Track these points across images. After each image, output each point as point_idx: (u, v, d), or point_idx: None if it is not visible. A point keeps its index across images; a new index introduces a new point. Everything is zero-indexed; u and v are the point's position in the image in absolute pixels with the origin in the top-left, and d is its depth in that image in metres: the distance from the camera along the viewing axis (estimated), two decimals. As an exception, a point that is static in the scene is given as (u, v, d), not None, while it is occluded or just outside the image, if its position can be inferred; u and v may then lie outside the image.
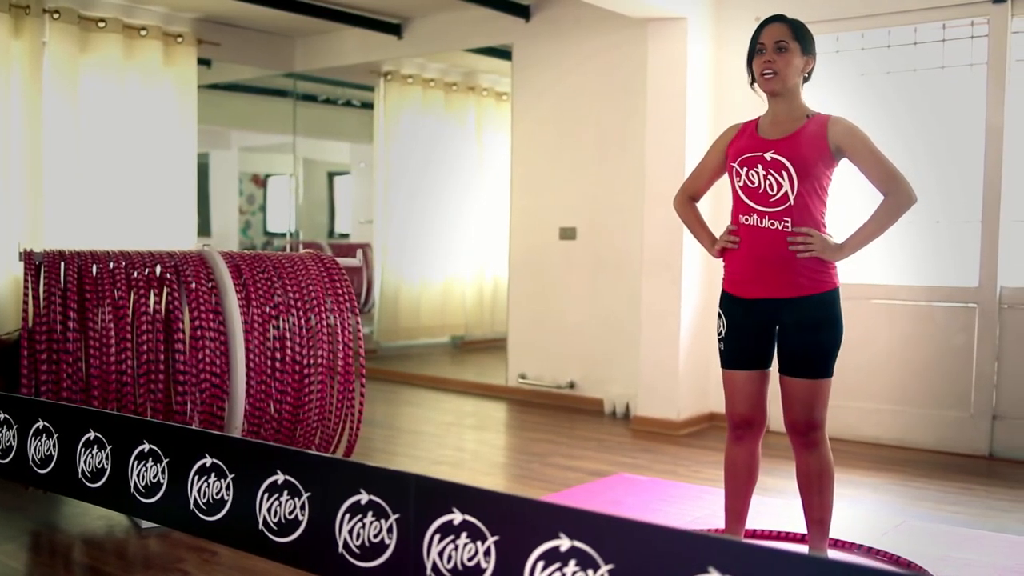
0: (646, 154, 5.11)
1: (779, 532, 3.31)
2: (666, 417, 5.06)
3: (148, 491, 2.11)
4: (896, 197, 2.64)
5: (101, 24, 5.94)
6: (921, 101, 4.83)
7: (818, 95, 5.07)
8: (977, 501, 3.83)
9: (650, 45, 5.11)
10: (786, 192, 2.61)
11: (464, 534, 1.57)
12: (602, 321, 5.72)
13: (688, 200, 2.97)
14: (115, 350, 3.27)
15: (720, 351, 2.81)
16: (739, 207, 2.72)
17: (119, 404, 3.27)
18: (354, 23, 6.51)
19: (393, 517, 1.67)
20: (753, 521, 3.42)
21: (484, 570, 1.54)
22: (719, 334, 2.81)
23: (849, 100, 5.02)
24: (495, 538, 1.53)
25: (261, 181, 10.22)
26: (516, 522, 1.51)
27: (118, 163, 5.99)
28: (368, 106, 7.56)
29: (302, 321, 3.58)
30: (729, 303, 2.78)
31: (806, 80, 2.75)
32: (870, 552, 3.12)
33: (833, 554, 3.00)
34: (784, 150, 2.63)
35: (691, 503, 3.64)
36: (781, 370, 2.72)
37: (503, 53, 6.24)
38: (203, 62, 7.16)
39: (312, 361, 3.59)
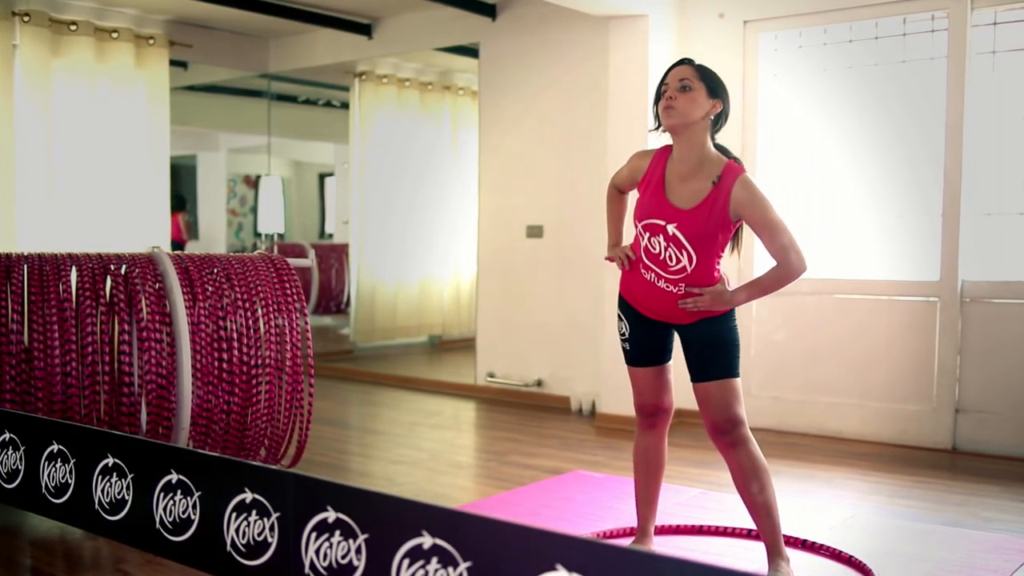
0: (608, 152, 5.11)
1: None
2: (629, 414, 5.03)
3: (58, 491, 2.12)
4: (785, 268, 2.63)
5: (72, 27, 5.96)
6: (883, 95, 4.82)
7: (782, 91, 5.10)
8: (932, 495, 3.83)
9: (612, 43, 5.11)
10: (684, 265, 2.66)
11: (338, 532, 1.58)
12: (568, 319, 5.72)
13: (616, 192, 2.98)
14: (59, 352, 3.28)
15: (624, 350, 2.90)
16: (640, 261, 2.76)
17: (64, 407, 3.28)
18: (325, 24, 6.52)
19: (274, 515, 1.68)
20: (703, 516, 3.43)
21: (356, 568, 1.55)
22: (622, 334, 2.88)
23: (812, 95, 5.02)
24: (365, 536, 1.54)
25: (253, 183, 10.26)
26: (384, 520, 1.52)
27: (91, 165, 6.02)
28: (348, 107, 7.57)
29: (250, 322, 3.59)
30: (627, 308, 2.85)
31: (716, 126, 2.69)
32: (812, 547, 3.11)
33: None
34: (686, 226, 2.63)
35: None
36: (691, 378, 2.79)
37: (476, 52, 6.25)
38: (179, 64, 7.19)
39: (260, 362, 3.60)
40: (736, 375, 2.73)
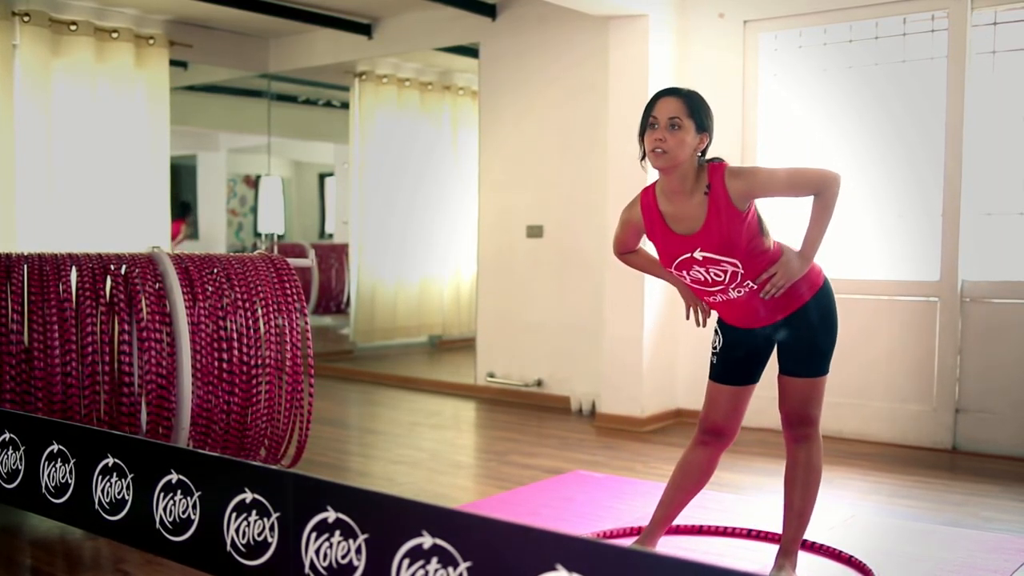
0: (608, 152, 5.12)
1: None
2: (630, 414, 5.06)
3: (58, 491, 2.12)
4: (824, 194, 2.61)
5: (72, 27, 5.96)
6: (883, 95, 4.82)
7: (782, 90, 5.10)
8: (932, 495, 3.83)
9: (612, 42, 5.11)
10: (732, 271, 2.61)
11: (338, 532, 1.58)
12: (568, 319, 5.73)
13: (626, 254, 2.91)
14: (59, 352, 3.28)
15: (712, 363, 2.82)
16: (700, 292, 2.74)
17: (64, 407, 3.28)
18: (325, 24, 6.52)
19: (275, 515, 1.68)
20: (704, 516, 3.43)
21: (356, 568, 1.55)
22: (713, 347, 2.82)
23: (812, 95, 5.02)
24: (365, 536, 1.54)
25: (253, 183, 10.26)
26: (384, 520, 1.52)
27: (91, 165, 6.02)
28: (348, 107, 7.57)
29: (250, 322, 3.59)
30: (725, 325, 2.81)
31: (702, 156, 2.62)
32: (812, 547, 3.11)
33: (776, 548, 2.99)
34: (708, 245, 2.58)
35: (641, 500, 3.64)
36: (780, 370, 2.76)
37: (476, 52, 6.25)
38: (179, 64, 7.19)
39: (260, 362, 3.60)
40: (822, 374, 2.72)
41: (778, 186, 2.60)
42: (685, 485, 2.86)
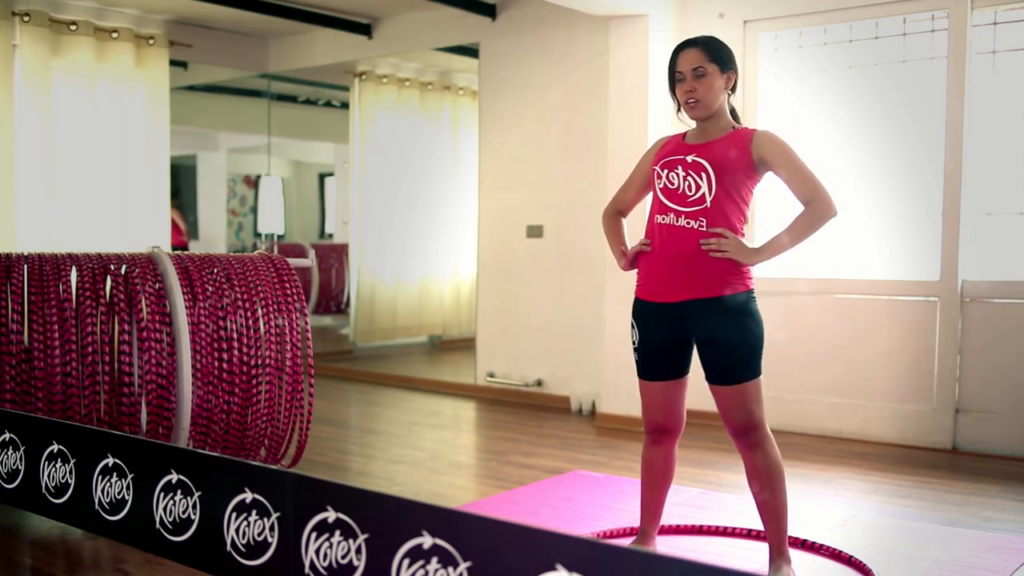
0: (608, 152, 5.12)
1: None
2: (630, 414, 5.06)
3: (58, 491, 2.12)
4: (817, 207, 2.62)
5: (72, 27, 5.96)
6: (883, 95, 4.82)
7: (782, 90, 5.10)
8: (931, 495, 3.83)
9: (612, 42, 5.11)
10: (703, 193, 2.62)
11: (338, 532, 1.58)
12: (568, 319, 5.73)
13: (615, 214, 2.94)
14: (59, 352, 3.28)
15: (636, 360, 2.82)
16: (657, 208, 2.72)
17: (64, 407, 3.28)
18: (325, 23, 6.53)
19: (275, 515, 1.68)
20: (703, 516, 3.43)
21: (356, 568, 1.55)
22: (633, 343, 2.81)
23: (812, 95, 5.02)
24: (365, 536, 1.54)
25: (253, 183, 10.26)
26: (384, 520, 1.52)
27: (91, 165, 6.02)
28: (348, 107, 7.58)
29: (250, 322, 3.59)
30: (642, 311, 2.77)
31: (732, 92, 2.74)
32: (812, 547, 3.11)
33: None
34: (705, 153, 2.65)
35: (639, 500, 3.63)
36: (707, 379, 2.72)
37: (476, 52, 6.25)
38: (179, 64, 7.20)
39: (260, 362, 3.60)
40: (754, 377, 2.67)
41: (789, 165, 2.64)
42: (655, 483, 2.90)
